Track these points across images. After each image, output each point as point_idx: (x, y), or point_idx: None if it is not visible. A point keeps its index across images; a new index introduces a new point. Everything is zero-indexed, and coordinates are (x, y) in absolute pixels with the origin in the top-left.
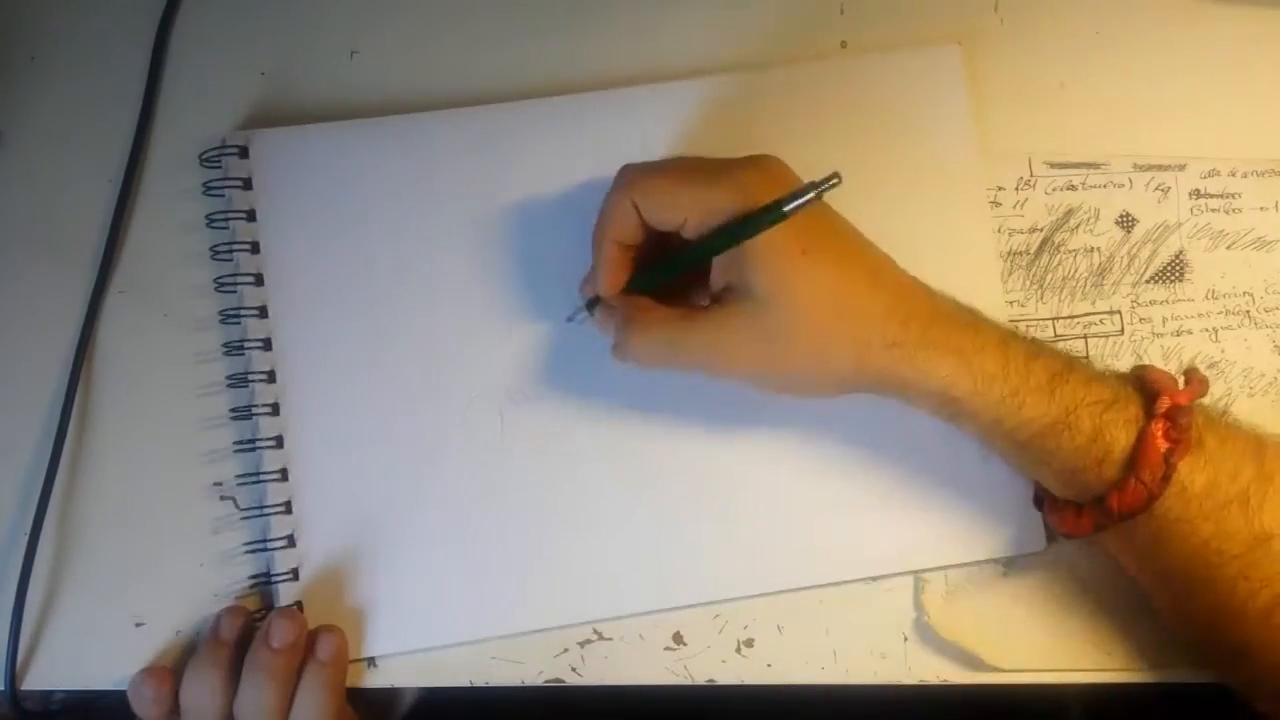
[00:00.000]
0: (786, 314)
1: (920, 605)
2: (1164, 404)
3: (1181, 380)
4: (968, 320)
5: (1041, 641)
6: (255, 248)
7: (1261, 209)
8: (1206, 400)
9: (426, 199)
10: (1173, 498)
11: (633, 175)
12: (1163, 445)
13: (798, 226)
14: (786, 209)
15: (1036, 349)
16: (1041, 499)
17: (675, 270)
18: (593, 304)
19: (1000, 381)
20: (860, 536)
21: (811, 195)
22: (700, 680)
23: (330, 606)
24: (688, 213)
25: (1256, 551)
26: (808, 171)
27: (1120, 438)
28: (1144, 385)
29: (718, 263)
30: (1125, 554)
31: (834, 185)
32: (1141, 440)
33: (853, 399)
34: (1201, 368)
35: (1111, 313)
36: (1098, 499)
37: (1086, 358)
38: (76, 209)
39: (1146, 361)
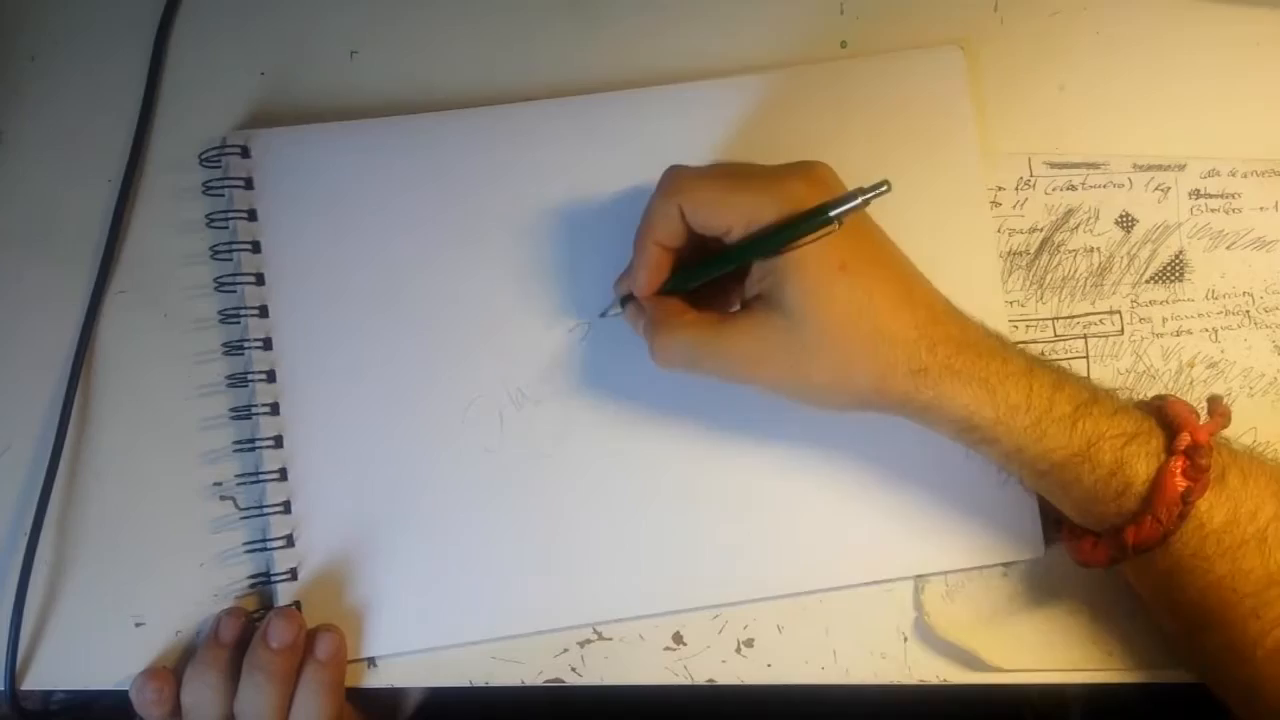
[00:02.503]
0: (815, 328)
1: (920, 605)
2: (1184, 440)
3: (1204, 411)
4: (995, 348)
5: (1041, 641)
6: (256, 247)
7: (1261, 209)
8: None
9: (427, 199)
10: (1189, 533)
11: (680, 180)
12: (1181, 484)
13: (837, 240)
14: (833, 214)
15: (1061, 379)
16: (1059, 526)
17: (712, 273)
18: (626, 301)
19: (1023, 412)
20: (861, 542)
21: (859, 201)
22: (700, 680)
23: (329, 606)
24: (733, 220)
25: (1270, 591)
26: None
27: (1140, 472)
28: (1165, 418)
29: (755, 269)
30: (1139, 584)
31: (883, 193)
32: (1160, 477)
33: None
34: (1201, 367)
35: (1111, 313)
36: (1114, 531)
37: (1110, 389)
38: (76, 209)
39: (1146, 362)
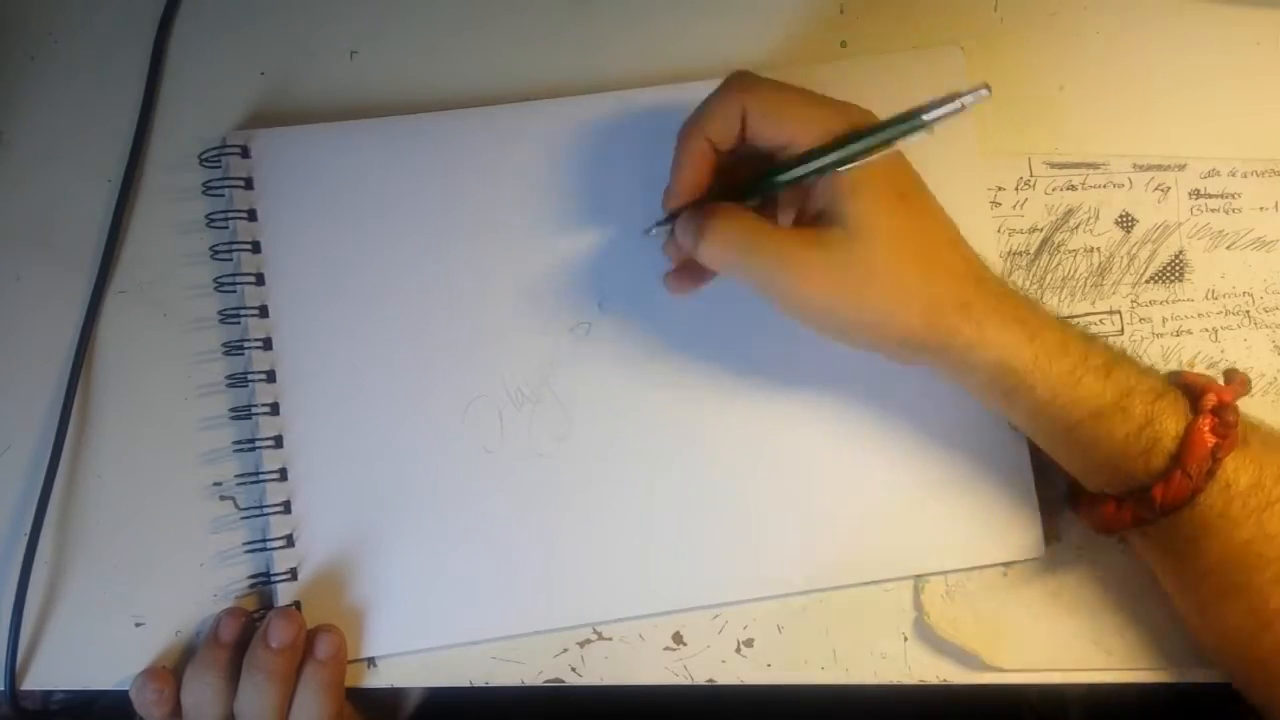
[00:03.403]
0: (872, 249)
1: (920, 605)
2: (1210, 400)
3: (1222, 380)
4: (1029, 299)
5: (1041, 641)
6: (256, 247)
7: (1261, 209)
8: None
9: (427, 199)
10: (1216, 494)
11: (749, 82)
12: (1210, 440)
13: (899, 172)
14: (928, 116)
15: (1092, 334)
16: (1075, 498)
17: (777, 187)
18: (671, 219)
19: (1060, 357)
20: (861, 542)
21: (957, 105)
22: (700, 680)
23: (329, 606)
24: (799, 132)
25: None
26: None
27: (1170, 428)
28: (1187, 385)
29: (819, 188)
30: (1159, 554)
31: (985, 97)
32: (1189, 433)
33: (865, 397)
34: (1201, 367)
35: (1111, 313)
36: (1139, 492)
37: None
38: (76, 209)
39: (1146, 362)
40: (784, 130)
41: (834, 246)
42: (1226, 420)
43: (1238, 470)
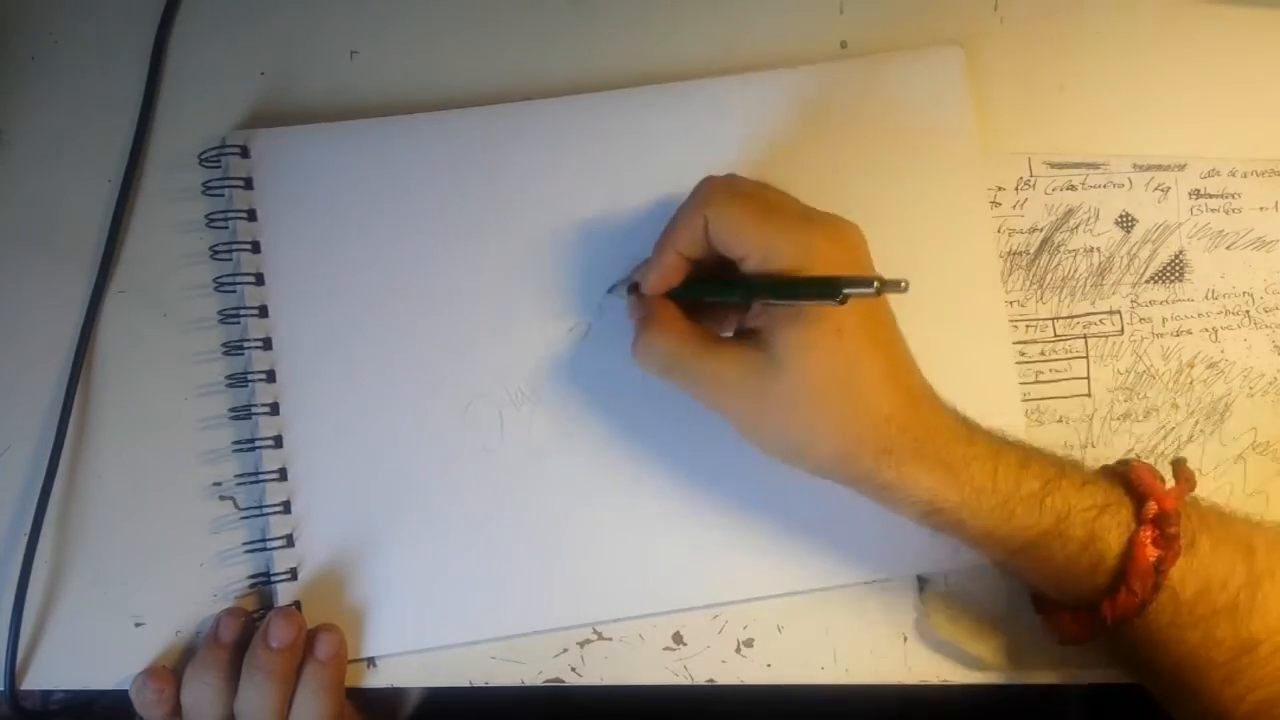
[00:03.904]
0: (792, 382)
1: (920, 605)
2: (1151, 509)
3: (1169, 475)
4: (963, 433)
5: (1041, 641)
6: (256, 247)
7: (1261, 209)
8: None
9: (427, 199)
10: (1164, 604)
11: (713, 193)
12: (1152, 554)
13: (842, 307)
14: (846, 291)
15: (1028, 456)
16: (1037, 603)
17: (714, 296)
18: (633, 289)
19: (989, 494)
20: (861, 542)
21: (872, 290)
22: (700, 680)
23: (329, 606)
24: (749, 250)
25: (1243, 658)
26: (805, 177)
27: (1112, 544)
28: (1130, 486)
29: (756, 305)
30: (1114, 653)
31: (901, 290)
32: (1131, 549)
33: None
34: (1201, 367)
35: (1111, 313)
36: (1091, 606)
37: (1075, 459)
38: (76, 209)
39: (1146, 362)
40: (738, 248)
41: (757, 372)
42: (1168, 533)
43: (1184, 580)
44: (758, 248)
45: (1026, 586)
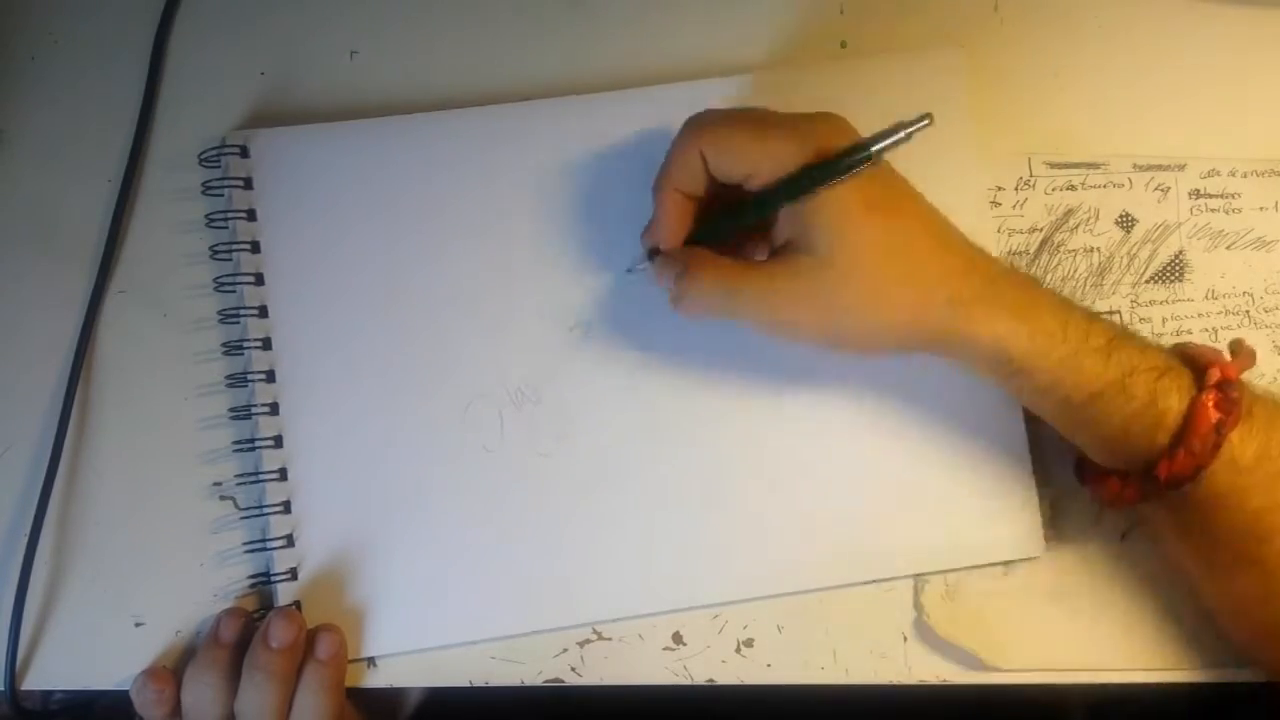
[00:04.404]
0: (847, 270)
1: (920, 605)
2: (1214, 375)
3: (1227, 354)
4: (1027, 281)
5: (1041, 641)
6: (256, 247)
7: (1261, 209)
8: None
9: (427, 199)
10: (1222, 469)
11: (701, 125)
12: (1214, 415)
13: (863, 183)
14: (875, 148)
15: (1094, 314)
16: (1083, 470)
17: (740, 221)
18: (653, 254)
19: (1059, 341)
20: (861, 542)
21: (901, 135)
22: (700, 680)
23: (329, 606)
24: (757, 166)
25: None
26: None
27: (1173, 405)
28: (1191, 359)
29: (783, 216)
30: (1170, 528)
31: (925, 126)
32: (1193, 409)
33: (864, 396)
34: None
35: (1111, 313)
36: (1145, 468)
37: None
38: (76, 209)
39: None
40: (743, 167)
41: (807, 274)
42: (1230, 396)
43: (1243, 443)
44: (766, 159)
45: (1076, 449)
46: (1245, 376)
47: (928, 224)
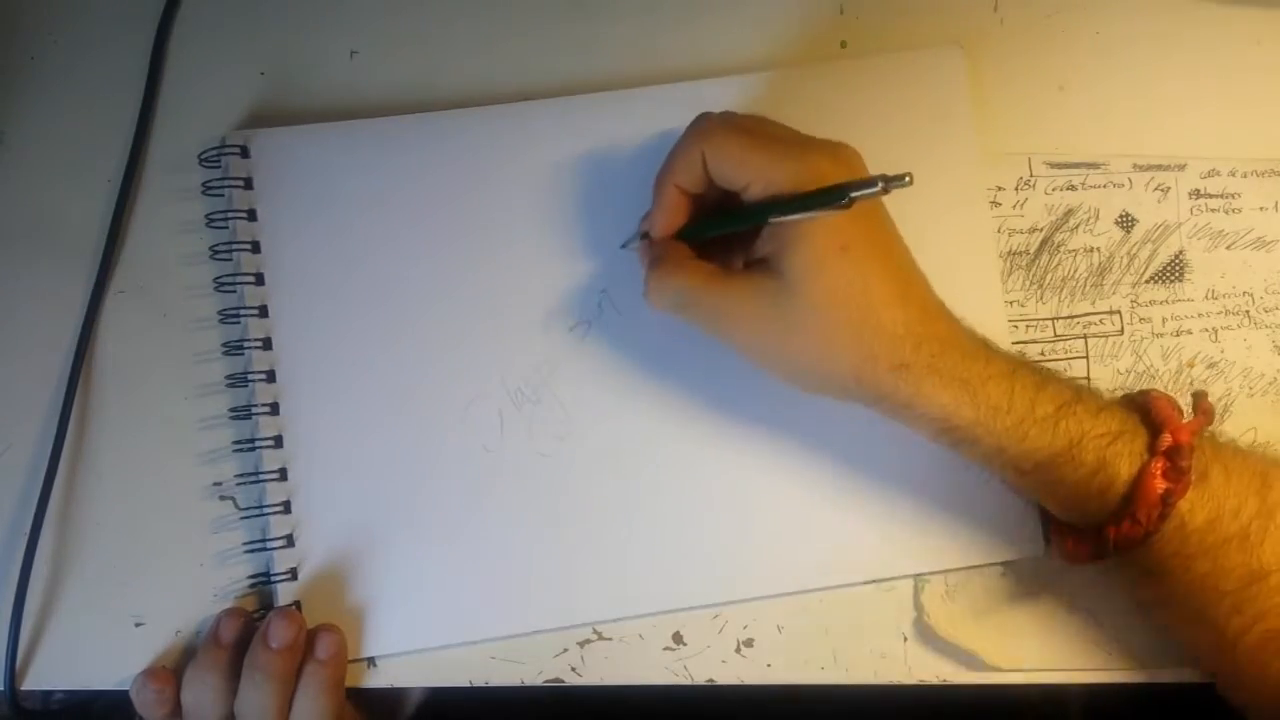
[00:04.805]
0: (805, 303)
1: (920, 605)
2: (1165, 441)
3: (1189, 407)
4: (979, 350)
5: (1041, 641)
6: (256, 247)
7: (1261, 209)
8: (1231, 430)
9: (427, 199)
10: (1171, 533)
11: (709, 127)
12: (1160, 485)
13: (845, 221)
14: (853, 195)
15: (1044, 379)
16: (1046, 523)
17: (723, 229)
18: (645, 237)
19: (1005, 413)
20: (861, 542)
21: (878, 188)
22: (700, 680)
23: (329, 606)
24: (751, 178)
25: (1252, 588)
26: None
27: (1122, 472)
28: (1148, 417)
29: (764, 233)
30: (1124, 579)
31: (904, 184)
32: (1140, 479)
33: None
34: (1201, 367)
35: (1111, 313)
36: (1097, 529)
37: (1094, 387)
38: (76, 209)
39: (1146, 362)
40: (738, 177)
41: (769, 298)
42: (1179, 466)
43: (1193, 510)
44: (759, 174)
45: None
46: (1246, 371)
47: (896, 276)
